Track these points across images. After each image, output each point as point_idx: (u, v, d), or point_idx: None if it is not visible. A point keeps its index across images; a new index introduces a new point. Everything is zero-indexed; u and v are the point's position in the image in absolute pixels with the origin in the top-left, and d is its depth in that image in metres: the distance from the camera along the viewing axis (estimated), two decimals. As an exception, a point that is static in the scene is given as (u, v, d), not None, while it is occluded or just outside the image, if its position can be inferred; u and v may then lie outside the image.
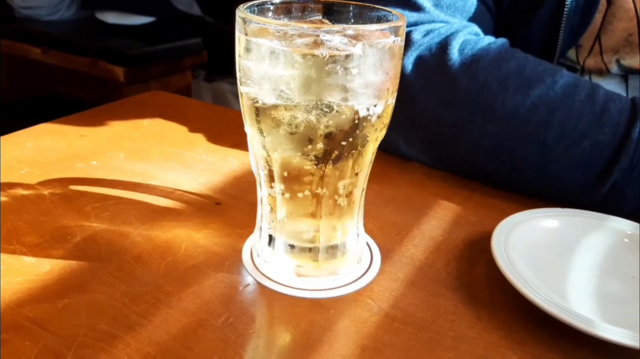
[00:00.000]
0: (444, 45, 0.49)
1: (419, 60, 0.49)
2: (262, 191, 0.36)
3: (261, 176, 0.35)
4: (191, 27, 2.36)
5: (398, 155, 0.53)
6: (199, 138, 0.58)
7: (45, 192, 0.45)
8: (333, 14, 0.36)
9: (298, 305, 0.34)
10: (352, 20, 0.36)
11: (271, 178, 0.34)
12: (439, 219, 0.44)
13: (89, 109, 0.65)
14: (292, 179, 0.34)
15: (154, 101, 0.70)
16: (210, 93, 2.37)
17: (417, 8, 0.52)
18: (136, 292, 0.34)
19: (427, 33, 0.50)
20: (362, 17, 0.36)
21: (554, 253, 0.39)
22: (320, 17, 0.36)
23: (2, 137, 0.55)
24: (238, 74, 0.33)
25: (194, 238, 0.40)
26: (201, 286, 0.35)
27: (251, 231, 0.41)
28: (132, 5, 2.20)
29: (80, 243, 0.39)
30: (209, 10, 2.51)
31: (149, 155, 0.53)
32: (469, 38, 0.50)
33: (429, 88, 0.49)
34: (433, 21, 0.51)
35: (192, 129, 0.60)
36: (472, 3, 0.54)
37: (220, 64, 2.53)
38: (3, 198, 0.44)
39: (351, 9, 0.36)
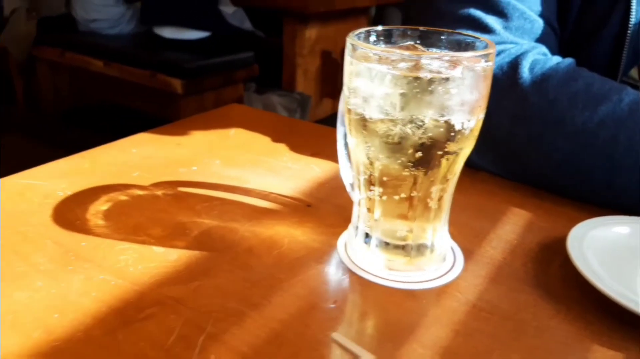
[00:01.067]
0: (514, 64, 0.53)
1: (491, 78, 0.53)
2: (361, 194, 0.41)
3: (361, 180, 0.40)
4: (243, 42, 2.46)
5: (469, 166, 0.57)
6: (282, 147, 0.64)
7: (159, 193, 0.52)
8: (426, 39, 0.41)
9: (392, 294, 0.39)
10: (441, 44, 0.41)
11: (370, 182, 0.39)
12: (513, 224, 0.48)
13: (179, 121, 0.71)
14: (390, 183, 0.39)
15: (233, 114, 0.77)
16: (261, 105, 2.45)
17: (489, 31, 0.56)
18: (253, 278, 0.39)
19: (499, 53, 0.54)
20: (450, 42, 0.41)
21: (625, 255, 0.42)
22: (413, 42, 0.41)
23: (109, 144, 0.62)
24: (347, 92, 0.38)
25: (293, 234, 0.45)
26: (307, 275, 0.40)
27: (341, 230, 0.46)
28: (189, 20, 2.32)
29: (198, 237, 0.44)
30: (260, 25, 2.60)
31: (240, 162, 0.59)
32: (538, 58, 0.54)
33: (501, 104, 0.53)
34: (503, 42, 0.56)
35: (275, 139, 0.66)
36: (539, 25, 0.58)
37: (270, 77, 2.62)
38: (124, 197, 0.50)
39: (442, 35, 0.41)
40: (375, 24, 3.06)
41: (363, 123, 0.37)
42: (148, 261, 0.41)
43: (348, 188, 0.46)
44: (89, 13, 2.50)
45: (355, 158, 0.40)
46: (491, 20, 0.57)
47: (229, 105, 0.79)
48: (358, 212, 0.42)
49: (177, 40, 2.36)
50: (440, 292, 0.39)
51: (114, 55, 2.38)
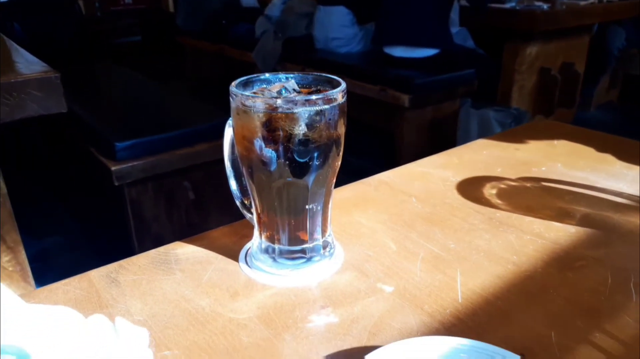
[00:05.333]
0: None
1: None
2: None
3: None
4: (465, 59, 2.58)
5: None
6: (609, 157, 0.75)
7: (528, 185, 0.67)
8: None
9: None
10: None
11: None
12: None
13: (503, 132, 0.87)
14: None
15: (541, 127, 0.90)
16: (477, 119, 2.55)
17: None
18: (649, 252, 0.52)
19: None
20: None
21: None
22: None
23: (462, 147, 0.80)
24: None
25: (662, 225, 0.57)
26: (693, 255, 0.52)
27: None
28: (420, 40, 2.51)
29: (581, 218, 0.58)
30: (481, 44, 2.70)
31: (578, 166, 0.72)
32: None
33: None
34: None
35: (598, 149, 0.77)
36: None
37: (488, 93, 2.71)
38: (503, 186, 0.67)
39: None
40: (597, 42, 2.93)
41: None
42: (555, 231, 0.56)
43: None
44: (328, 32, 2.87)
45: None
46: None
47: (536, 121, 0.93)
48: None
49: (405, 58, 2.58)
50: None
51: (348, 71, 2.69)
